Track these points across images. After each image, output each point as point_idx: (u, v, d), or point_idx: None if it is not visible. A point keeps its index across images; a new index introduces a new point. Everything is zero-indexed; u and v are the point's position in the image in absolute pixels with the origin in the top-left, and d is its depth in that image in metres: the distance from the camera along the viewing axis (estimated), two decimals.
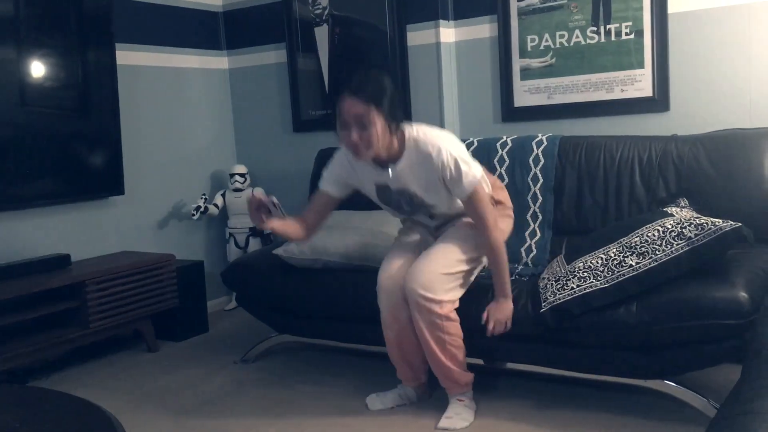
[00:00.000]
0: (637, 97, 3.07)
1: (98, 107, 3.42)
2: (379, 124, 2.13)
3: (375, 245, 2.92)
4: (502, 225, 2.46)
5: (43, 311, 2.96)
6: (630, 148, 2.82)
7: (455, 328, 2.38)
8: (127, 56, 3.61)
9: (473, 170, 2.25)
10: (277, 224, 2.24)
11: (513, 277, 2.76)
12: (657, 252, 2.20)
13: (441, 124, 3.48)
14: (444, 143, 2.23)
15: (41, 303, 2.98)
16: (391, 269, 2.44)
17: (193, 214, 3.76)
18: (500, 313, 2.37)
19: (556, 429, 2.30)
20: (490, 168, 3.04)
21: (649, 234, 2.26)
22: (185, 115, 3.99)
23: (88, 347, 3.26)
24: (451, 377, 2.42)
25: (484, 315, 2.37)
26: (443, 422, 2.37)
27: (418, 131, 2.27)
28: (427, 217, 2.49)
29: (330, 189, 2.42)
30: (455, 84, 3.52)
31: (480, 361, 2.73)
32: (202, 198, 3.83)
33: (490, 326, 2.36)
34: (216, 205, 3.91)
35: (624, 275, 2.22)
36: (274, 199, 2.20)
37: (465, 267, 2.39)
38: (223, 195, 3.96)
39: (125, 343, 3.49)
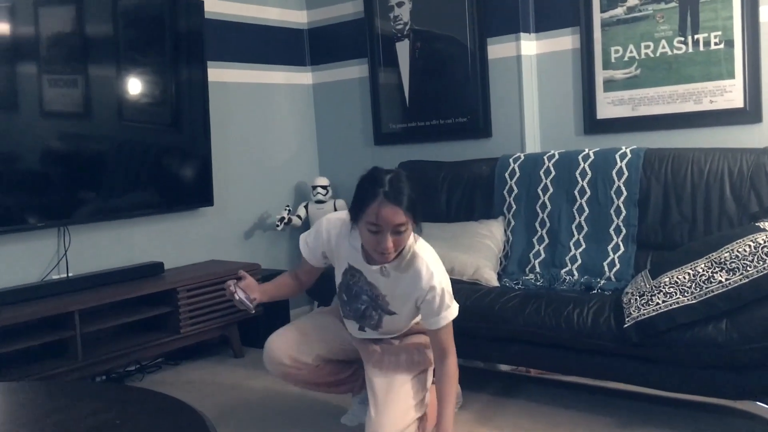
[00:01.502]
0: (727, 108, 2.98)
1: (190, 122, 3.59)
2: (409, 233, 2.12)
3: (455, 257, 2.94)
4: None
5: (139, 316, 3.12)
6: (719, 160, 2.74)
7: None
8: (217, 74, 3.77)
9: (453, 307, 2.20)
10: (259, 296, 2.24)
11: (595, 291, 2.73)
12: (748, 268, 2.13)
13: (521, 137, 3.47)
14: (439, 270, 2.19)
15: (137, 308, 3.15)
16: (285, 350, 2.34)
17: (278, 225, 3.88)
18: None
19: None
20: (571, 181, 3.01)
21: (740, 249, 2.20)
22: (271, 129, 4.13)
23: (178, 351, 3.41)
24: None
25: None
26: None
27: (420, 246, 2.21)
28: (371, 328, 2.34)
29: (311, 260, 2.38)
30: (536, 97, 3.51)
31: (558, 375, 2.71)
32: (286, 209, 3.94)
33: None
34: (299, 216, 4.02)
35: (713, 291, 2.16)
36: (241, 295, 2.18)
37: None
38: (306, 207, 4.07)
39: (213, 349, 3.63)
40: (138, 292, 3.09)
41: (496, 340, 2.62)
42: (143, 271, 3.32)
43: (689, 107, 3.07)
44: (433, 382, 2.35)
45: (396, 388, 2.26)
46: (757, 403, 2.23)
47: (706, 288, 2.18)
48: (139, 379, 3.26)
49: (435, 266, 2.19)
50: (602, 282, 2.79)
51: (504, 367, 3.06)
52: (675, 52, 3.07)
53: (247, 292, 2.21)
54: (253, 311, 2.24)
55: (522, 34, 3.42)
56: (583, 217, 2.98)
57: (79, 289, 3.06)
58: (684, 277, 2.25)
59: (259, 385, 3.08)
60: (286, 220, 3.89)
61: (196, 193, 3.62)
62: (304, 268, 2.41)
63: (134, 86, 3.32)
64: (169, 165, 3.50)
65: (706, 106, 3.03)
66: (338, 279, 2.34)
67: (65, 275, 3.15)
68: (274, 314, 3.66)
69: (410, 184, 2.07)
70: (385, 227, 2.03)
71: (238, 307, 2.23)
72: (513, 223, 3.14)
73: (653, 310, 2.24)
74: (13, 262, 3.04)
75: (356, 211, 2.10)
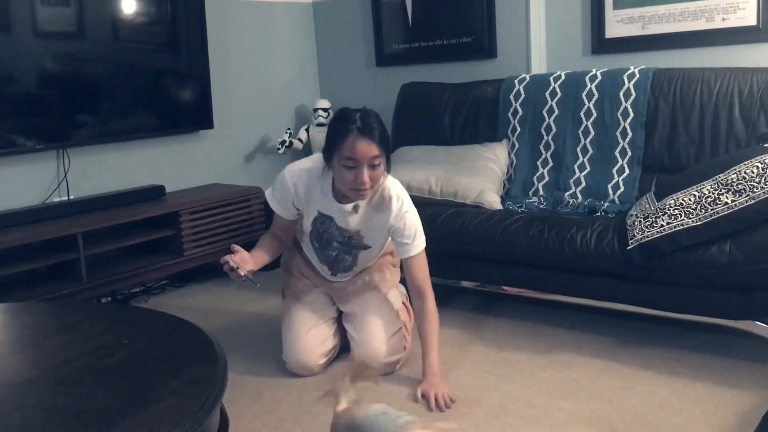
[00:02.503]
0: (740, 26, 2.89)
1: (187, 42, 3.50)
2: (382, 167, 2.16)
3: (459, 180, 2.92)
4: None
5: (142, 239, 3.12)
6: (730, 80, 2.68)
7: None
8: None
9: (423, 237, 2.27)
10: (253, 266, 2.22)
11: (598, 214, 2.72)
12: (755, 189, 2.11)
13: (527, 58, 3.38)
14: (407, 199, 2.27)
15: (140, 231, 3.15)
16: (309, 359, 2.39)
17: (279, 148, 3.84)
18: (440, 387, 2.18)
19: (640, 367, 2.29)
20: (578, 103, 2.96)
21: (748, 171, 2.17)
22: (270, 50, 4.04)
23: (183, 274, 3.44)
24: None
25: (420, 395, 2.18)
26: None
27: (389, 180, 2.27)
28: (343, 270, 2.42)
29: (285, 214, 2.36)
30: (543, 15, 3.40)
31: (560, 296, 2.73)
32: (287, 132, 3.89)
33: (433, 402, 2.13)
34: (300, 140, 3.97)
35: (718, 213, 2.15)
36: (243, 272, 2.15)
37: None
38: (307, 130, 4.01)
39: (217, 272, 3.63)
40: (141, 215, 3.09)
41: (498, 263, 2.63)
42: (145, 194, 3.30)
43: (701, 25, 2.98)
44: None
45: (377, 304, 2.39)
46: (756, 322, 2.25)
47: (712, 210, 2.16)
48: (144, 300, 3.29)
49: (404, 195, 2.28)
50: (606, 205, 2.78)
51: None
52: None
53: (243, 266, 2.16)
54: (258, 285, 2.19)
55: None
56: (588, 140, 2.94)
57: (80, 211, 3.05)
58: (689, 199, 2.23)
59: (263, 307, 3.11)
60: (287, 144, 3.85)
61: (195, 115, 3.57)
62: (279, 224, 2.39)
63: (128, 5, 3.22)
64: (167, 86, 3.44)
65: (718, 23, 2.94)
66: (308, 228, 2.36)
67: (66, 198, 3.14)
68: None
69: (379, 120, 2.15)
70: (361, 161, 2.09)
71: (237, 281, 2.19)
72: (517, 145, 3.10)
73: (657, 232, 2.23)
74: (13, 185, 3.02)
75: (330, 150, 2.15)
